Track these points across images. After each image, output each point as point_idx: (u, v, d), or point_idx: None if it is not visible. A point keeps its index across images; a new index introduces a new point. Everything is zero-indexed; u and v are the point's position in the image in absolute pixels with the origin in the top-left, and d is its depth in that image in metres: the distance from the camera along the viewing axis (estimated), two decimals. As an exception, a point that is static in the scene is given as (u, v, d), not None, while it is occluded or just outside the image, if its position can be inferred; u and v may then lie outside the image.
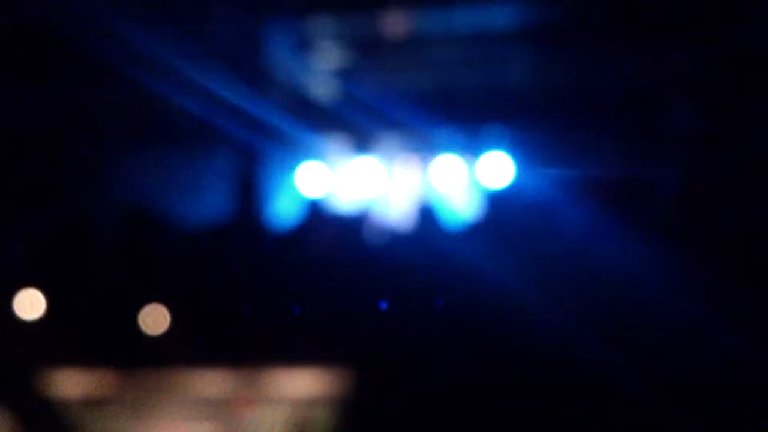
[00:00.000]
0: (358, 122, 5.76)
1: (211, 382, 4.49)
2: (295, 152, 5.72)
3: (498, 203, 5.40)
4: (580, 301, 4.65)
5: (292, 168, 5.71)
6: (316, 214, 5.37)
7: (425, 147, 5.79)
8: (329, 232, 5.24)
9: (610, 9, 5.27)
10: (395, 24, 5.81)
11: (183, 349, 4.49)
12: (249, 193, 5.47)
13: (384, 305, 4.81)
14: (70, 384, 4.49)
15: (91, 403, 4.48)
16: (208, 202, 5.32)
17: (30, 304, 4.58)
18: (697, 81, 5.17)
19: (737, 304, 4.33)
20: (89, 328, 4.47)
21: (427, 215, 5.36)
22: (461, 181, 5.67)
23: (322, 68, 5.98)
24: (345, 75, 5.91)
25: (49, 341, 4.53)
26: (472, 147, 5.68)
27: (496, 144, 5.63)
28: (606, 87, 5.41)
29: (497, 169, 5.58)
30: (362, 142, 5.83)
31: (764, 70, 4.88)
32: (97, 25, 5.01)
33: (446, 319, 4.72)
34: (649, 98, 5.34)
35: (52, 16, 4.99)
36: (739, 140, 4.88)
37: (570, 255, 4.80)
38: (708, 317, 4.37)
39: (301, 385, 4.52)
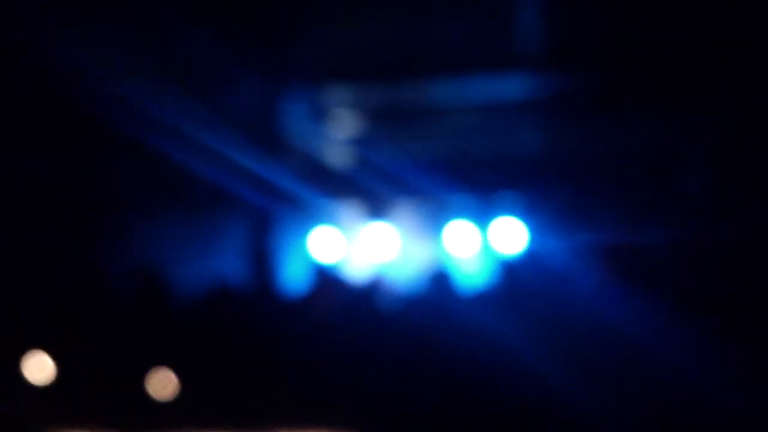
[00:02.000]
0: (372, 188, 5.80)
1: (218, 447, 4.48)
2: (309, 218, 5.76)
3: (511, 269, 5.39)
4: (593, 365, 4.61)
5: (305, 233, 5.75)
6: (329, 280, 5.38)
7: (439, 213, 5.82)
8: (341, 297, 5.25)
9: (621, 78, 5.31)
10: (410, 93, 5.88)
11: (191, 413, 4.49)
12: (262, 258, 5.50)
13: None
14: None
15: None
16: (221, 266, 5.36)
17: (38, 368, 4.60)
18: (707, 150, 5.18)
19: (747, 370, 4.29)
20: (97, 392, 4.48)
21: (440, 281, 5.35)
22: (474, 247, 5.67)
23: (337, 136, 6.04)
24: (360, 142, 5.97)
25: (57, 404, 4.54)
26: (485, 213, 5.70)
27: (509, 210, 5.65)
28: (617, 155, 5.44)
29: (510, 235, 5.58)
30: (376, 208, 5.86)
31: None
32: (115, 93, 5.10)
33: (458, 384, 4.69)
34: (660, 166, 5.36)
35: (72, 86, 5.09)
36: (749, 207, 4.87)
37: (583, 320, 4.77)
38: (721, 382, 4.34)
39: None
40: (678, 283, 4.89)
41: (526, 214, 5.56)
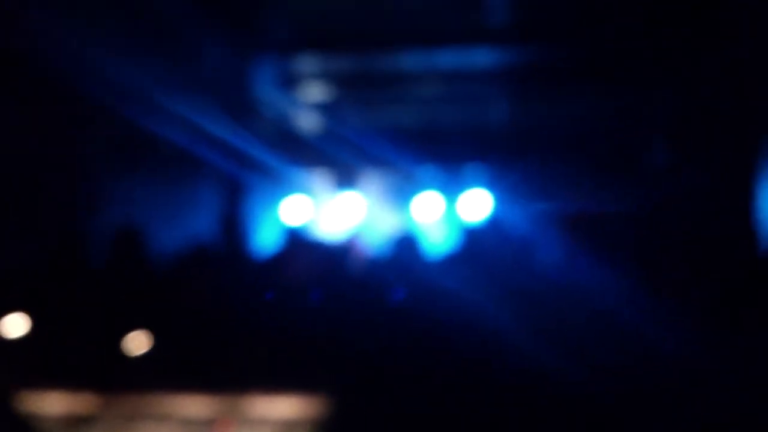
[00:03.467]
0: (341, 157, 5.89)
1: (193, 405, 4.54)
2: (279, 185, 5.84)
3: (476, 236, 5.50)
4: (555, 331, 4.71)
5: (276, 200, 5.82)
6: (299, 242, 5.46)
7: (406, 183, 5.93)
8: (311, 258, 5.33)
9: (586, 51, 5.42)
10: (379, 63, 5.96)
11: (165, 372, 4.56)
12: (232, 222, 5.57)
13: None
14: (51, 404, 4.53)
15: (73, 424, 4.52)
16: (192, 229, 5.42)
17: (14, 324, 4.64)
18: (670, 122, 5.31)
19: (712, 334, 4.41)
20: (72, 349, 4.52)
21: (406, 246, 5.46)
22: (440, 215, 5.79)
23: (307, 104, 6.11)
24: (328, 111, 6.05)
25: (31, 362, 4.58)
26: (452, 184, 5.81)
27: (476, 181, 5.76)
28: (582, 126, 5.56)
29: (476, 204, 5.70)
30: (345, 177, 5.96)
31: (735, 111, 5.02)
32: (89, 60, 5.13)
33: (424, 347, 4.78)
34: (624, 138, 5.48)
35: (43, 50, 5.10)
36: (709, 177, 5.01)
37: (545, 287, 4.88)
38: (684, 347, 4.45)
39: (281, 408, 4.57)
40: (638, 252, 5.02)
41: (491, 184, 5.68)
